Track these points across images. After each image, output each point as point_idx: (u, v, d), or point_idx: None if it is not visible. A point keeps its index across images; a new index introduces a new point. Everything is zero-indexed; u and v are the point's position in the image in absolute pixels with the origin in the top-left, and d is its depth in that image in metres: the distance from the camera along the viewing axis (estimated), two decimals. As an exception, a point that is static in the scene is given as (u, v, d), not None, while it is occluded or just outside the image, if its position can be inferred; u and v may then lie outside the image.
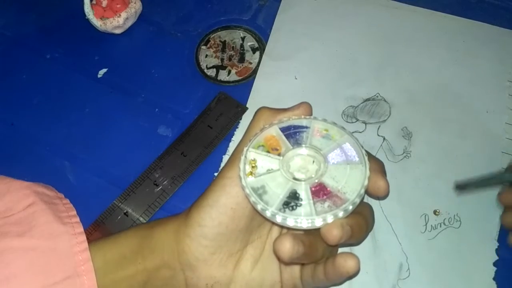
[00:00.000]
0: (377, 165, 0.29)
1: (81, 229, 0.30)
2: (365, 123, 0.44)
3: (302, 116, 0.30)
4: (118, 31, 0.48)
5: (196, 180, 0.41)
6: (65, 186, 0.35)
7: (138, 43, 0.49)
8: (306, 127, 0.30)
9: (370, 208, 0.32)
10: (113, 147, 0.43)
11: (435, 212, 0.39)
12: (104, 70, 0.47)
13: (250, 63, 0.48)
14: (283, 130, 0.30)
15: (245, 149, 0.29)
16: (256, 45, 0.49)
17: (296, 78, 0.46)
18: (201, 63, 0.48)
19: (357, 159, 0.28)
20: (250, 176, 0.28)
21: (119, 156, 0.43)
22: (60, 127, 0.44)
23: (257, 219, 0.31)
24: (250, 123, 0.31)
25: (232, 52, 0.48)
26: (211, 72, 0.47)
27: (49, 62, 0.48)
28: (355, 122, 0.44)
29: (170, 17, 0.51)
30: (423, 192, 0.40)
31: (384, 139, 0.43)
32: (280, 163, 0.29)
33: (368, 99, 0.45)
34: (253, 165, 0.28)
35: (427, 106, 0.44)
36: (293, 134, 0.30)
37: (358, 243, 0.37)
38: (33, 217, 0.29)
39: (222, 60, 0.48)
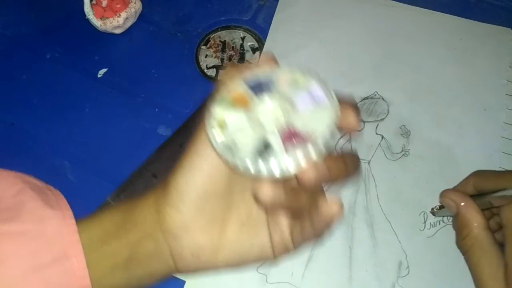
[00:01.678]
0: (346, 103, 0.29)
1: (70, 212, 0.29)
2: (364, 122, 0.44)
3: (267, 68, 0.30)
4: (118, 31, 0.49)
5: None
6: (65, 185, 0.34)
7: (138, 43, 0.49)
8: (272, 78, 0.29)
9: (353, 155, 0.31)
10: (113, 147, 0.43)
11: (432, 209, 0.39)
12: (104, 70, 0.47)
13: (250, 63, 0.48)
14: (248, 84, 0.29)
15: (211, 108, 0.28)
16: (256, 45, 0.49)
17: (295, 78, 0.46)
18: (201, 63, 0.48)
19: (325, 100, 0.28)
20: (220, 134, 0.27)
21: (119, 156, 0.43)
22: (60, 127, 0.44)
23: (237, 181, 0.30)
24: (217, 83, 0.30)
25: (232, 52, 0.48)
26: (211, 72, 0.47)
27: (49, 62, 0.48)
28: (354, 121, 0.44)
29: (170, 17, 0.51)
30: (421, 190, 0.40)
31: (382, 137, 0.43)
32: (248, 116, 0.28)
33: (366, 98, 0.45)
34: (222, 123, 0.28)
35: (425, 104, 0.45)
36: (259, 86, 0.29)
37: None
38: (22, 203, 0.29)
39: (222, 60, 0.48)
